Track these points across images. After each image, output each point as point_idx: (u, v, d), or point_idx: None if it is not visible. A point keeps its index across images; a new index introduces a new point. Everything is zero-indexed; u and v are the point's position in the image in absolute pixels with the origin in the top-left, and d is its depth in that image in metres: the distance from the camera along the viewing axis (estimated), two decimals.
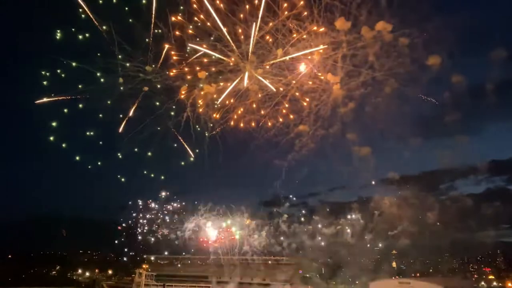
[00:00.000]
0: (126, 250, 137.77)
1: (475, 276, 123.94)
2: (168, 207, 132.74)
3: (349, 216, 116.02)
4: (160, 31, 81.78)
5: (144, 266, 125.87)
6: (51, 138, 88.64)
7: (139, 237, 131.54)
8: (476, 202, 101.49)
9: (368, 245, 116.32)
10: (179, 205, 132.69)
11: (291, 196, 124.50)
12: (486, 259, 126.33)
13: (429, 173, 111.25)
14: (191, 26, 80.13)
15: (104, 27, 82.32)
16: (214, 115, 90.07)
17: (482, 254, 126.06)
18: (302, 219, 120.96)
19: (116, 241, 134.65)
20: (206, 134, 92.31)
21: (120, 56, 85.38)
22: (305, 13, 76.54)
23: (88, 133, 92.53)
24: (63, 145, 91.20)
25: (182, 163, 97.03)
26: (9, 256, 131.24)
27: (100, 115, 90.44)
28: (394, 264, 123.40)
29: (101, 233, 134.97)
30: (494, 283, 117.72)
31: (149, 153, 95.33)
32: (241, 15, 77.37)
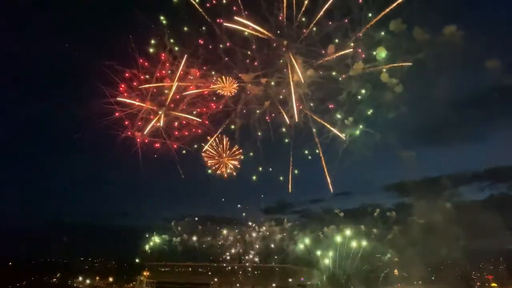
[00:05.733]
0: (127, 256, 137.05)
1: (478, 283, 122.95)
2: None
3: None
4: None
5: (144, 273, 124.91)
6: None
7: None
8: (479, 208, 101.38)
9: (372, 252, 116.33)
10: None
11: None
12: (488, 266, 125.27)
13: (432, 179, 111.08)
14: None
15: None
16: None
17: (484, 261, 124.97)
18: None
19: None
20: None
21: None
22: None
23: None
24: None
25: None
26: (10, 263, 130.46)
27: None
28: (396, 272, 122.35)
29: (103, 240, 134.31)
30: None
31: None
32: None
